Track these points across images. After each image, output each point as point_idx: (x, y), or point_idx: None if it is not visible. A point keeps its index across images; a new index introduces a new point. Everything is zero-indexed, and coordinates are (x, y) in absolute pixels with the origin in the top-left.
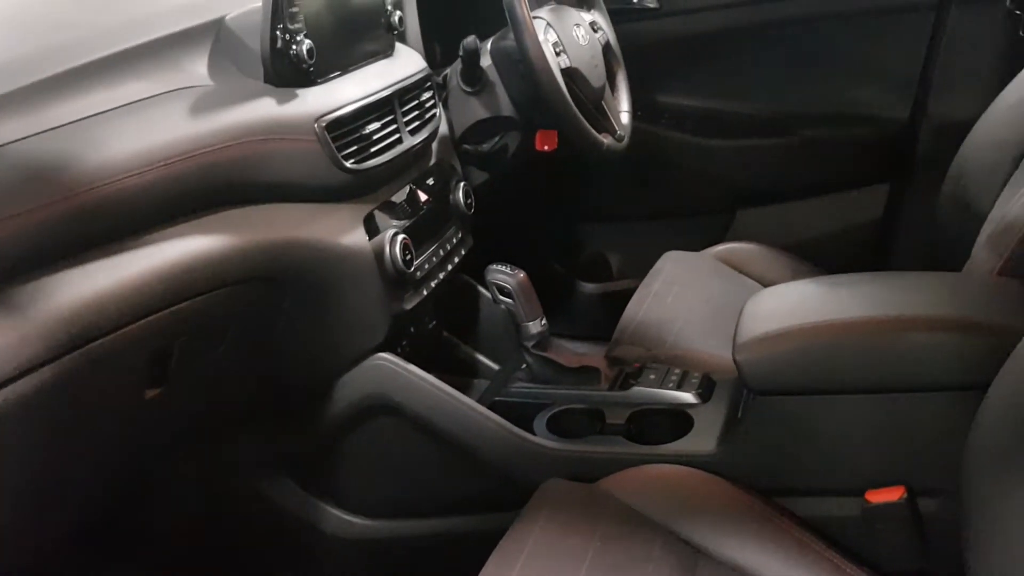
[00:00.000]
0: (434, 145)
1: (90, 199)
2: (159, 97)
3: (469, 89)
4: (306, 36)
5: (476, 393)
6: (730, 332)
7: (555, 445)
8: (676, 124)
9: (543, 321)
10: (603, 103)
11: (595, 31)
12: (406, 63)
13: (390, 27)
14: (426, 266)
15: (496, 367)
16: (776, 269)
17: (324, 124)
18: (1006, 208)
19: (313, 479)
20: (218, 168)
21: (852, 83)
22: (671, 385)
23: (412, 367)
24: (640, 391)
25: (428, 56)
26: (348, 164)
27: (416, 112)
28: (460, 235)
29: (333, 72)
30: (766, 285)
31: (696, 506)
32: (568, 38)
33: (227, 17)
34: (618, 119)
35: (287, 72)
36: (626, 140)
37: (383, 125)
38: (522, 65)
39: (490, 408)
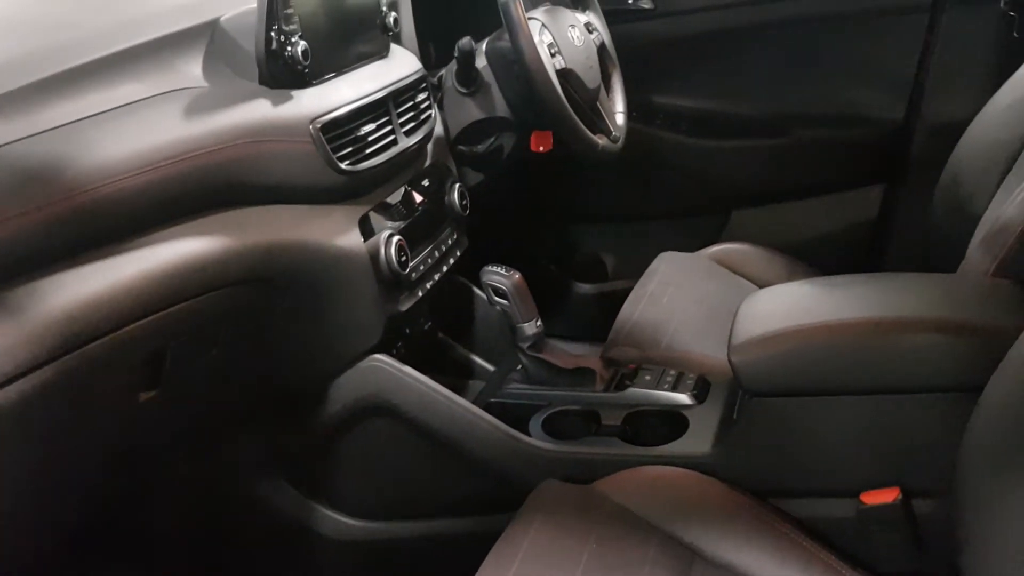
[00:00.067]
0: (429, 146)
1: (84, 201)
2: (154, 99)
3: (464, 90)
4: (301, 37)
5: (471, 394)
6: (725, 333)
7: (550, 446)
8: (671, 125)
9: (538, 322)
10: (598, 104)
11: (590, 32)
12: (401, 64)
13: (385, 28)
14: (421, 267)
15: (491, 368)
16: (771, 270)
17: (319, 125)
18: (1000, 209)
19: (308, 480)
20: (213, 170)
21: (847, 84)
22: (666, 386)
23: (407, 368)
24: (635, 392)
25: (423, 57)
26: (343, 165)
27: (411, 113)
28: (455, 236)
29: (328, 73)
30: (761, 286)
31: (692, 507)
32: (563, 39)
33: (222, 18)
34: (613, 120)
35: (282, 73)
36: (621, 141)
37: (378, 126)
38: (517, 66)
39: (485, 409)
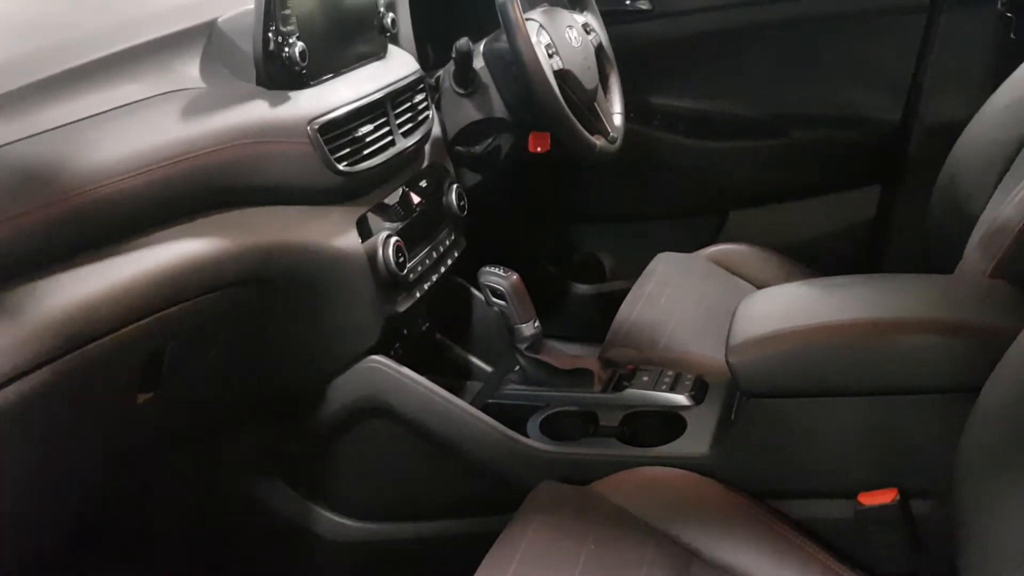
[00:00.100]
0: (427, 147)
1: (82, 202)
2: (151, 100)
3: (462, 91)
4: (298, 38)
5: (469, 395)
6: (723, 334)
7: (548, 447)
8: (669, 125)
9: (536, 323)
10: (596, 105)
11: (588, 33)
12: (399, 65)
13: (383, 29)
14: (419, 268)
15: (489, 369)
16: (768, 270)
17: (317, 126)
18: (998, 210)
19: (306, 482)
20: (211, 171)
21: (844, 85)
22: (664, 387)
23: (405, 369)
24: (633, 393)
25: (421, 58)
26: (341, 166)
27: (409, 114)
28: (453, 237)
29: (326, 74)
30: (759, 286)
31: (689, 508)
32: (561, 40)
33: (219, 19)
34: (611, 121)
35: (279, 74)
36: (619, 142)
37: (376, 127)
38: (515, 67)
39: (483, 410)
